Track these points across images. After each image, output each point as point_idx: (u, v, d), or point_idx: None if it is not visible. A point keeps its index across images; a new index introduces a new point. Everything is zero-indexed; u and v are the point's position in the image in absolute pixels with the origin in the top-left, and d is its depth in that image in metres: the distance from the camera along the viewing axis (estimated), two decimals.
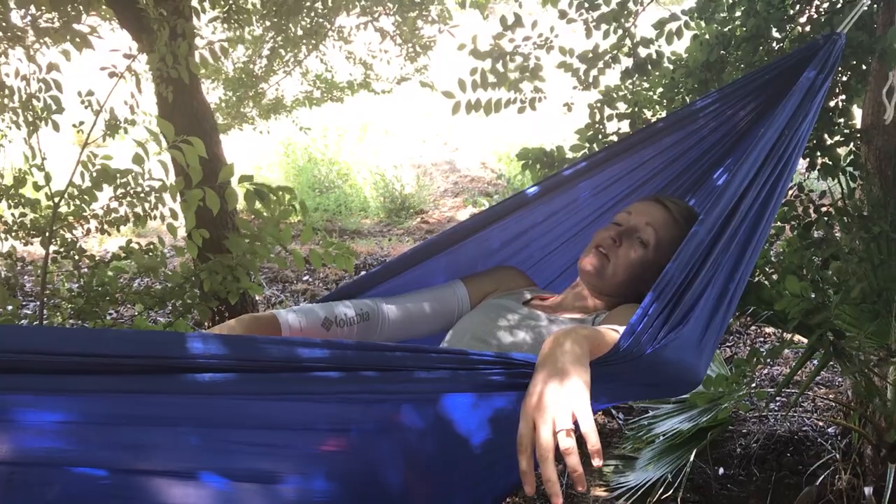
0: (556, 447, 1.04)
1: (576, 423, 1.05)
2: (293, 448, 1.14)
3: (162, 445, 1.08)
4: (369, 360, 1.15)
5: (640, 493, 2.98)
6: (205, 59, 2.41)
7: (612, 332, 1.29)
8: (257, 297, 5.32)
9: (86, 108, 2.34)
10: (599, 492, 3.09)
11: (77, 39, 2.55)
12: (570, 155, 2.82)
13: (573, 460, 1.01)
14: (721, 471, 3.16)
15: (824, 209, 2.66)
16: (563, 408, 1.05)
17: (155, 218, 2.12)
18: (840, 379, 3.48)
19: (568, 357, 1.12)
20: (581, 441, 1.02)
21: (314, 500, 1.16)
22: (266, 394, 1.10)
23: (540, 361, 1.15)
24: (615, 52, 2.89)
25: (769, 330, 4.46)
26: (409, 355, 1.18)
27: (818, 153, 2.56)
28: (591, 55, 2.89)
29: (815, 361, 2.96)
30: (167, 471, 1.08)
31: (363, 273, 1.77)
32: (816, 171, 2.60)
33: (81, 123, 2.52)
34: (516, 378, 1.20)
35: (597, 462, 0.99)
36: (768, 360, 3.90)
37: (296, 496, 1.15)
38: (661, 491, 2.94)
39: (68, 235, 2.20)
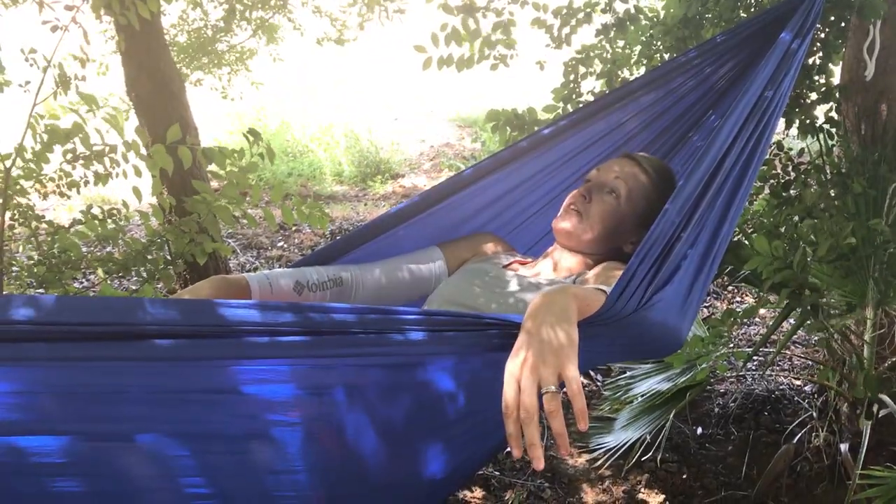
0: (541, 408, 1.01)
1: (562, 384, 1.02)
2: (265, 415, 1.09)
3: (126, 417, 1.02)
4: (342, 322, 1.10)
5: (618, 453, 2.99)
6: None
7: (600, 293, 1.25)
8: (231, 265, 5.25)
9: (31, 66, 2.24)
10: (578, 453, 3.10)
11: None
12: (542, 116, 2.76)
13: (558, 423, 0.98)
14: (699, 430, 3.18)
15: (803, 167, 2.64)
16: (548, 368, 1.01)
17: (116, 176, 2.04)
18: (814, 338, 3.50)
19: (556, 316, 1.08)
20: (566, 403, 0.99)
21: (289, 468, 1.12)
22: (235, 358, 1.05)
23: (527, 320, 1.10)
24: (589, 10, 2.83)
25: (747, 289, 4.48)
26: (384, 317, 1.14)
27: (797, 111, 2.53)
28: (565, 10, 2.82)
29: (793, 321, 2.97)
30: (132, 443, 1.03)
31: (338, 238, 1.73)
32: (795, 130, 2.57)
33: (28, 83, 2.42)
34: (497, 338, 1.16)
35: (582, 426, 0.96)
36: (744, 320, 3.93)
37: (270, 465, 1.11)
38: (639, 451, 2.95)
39: (23, 200, 2.11)
